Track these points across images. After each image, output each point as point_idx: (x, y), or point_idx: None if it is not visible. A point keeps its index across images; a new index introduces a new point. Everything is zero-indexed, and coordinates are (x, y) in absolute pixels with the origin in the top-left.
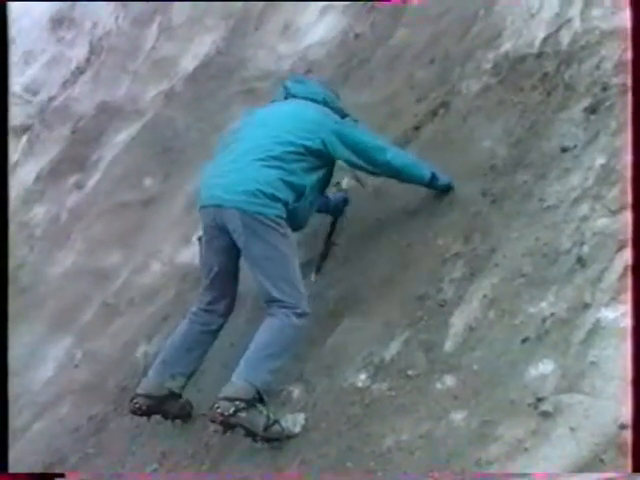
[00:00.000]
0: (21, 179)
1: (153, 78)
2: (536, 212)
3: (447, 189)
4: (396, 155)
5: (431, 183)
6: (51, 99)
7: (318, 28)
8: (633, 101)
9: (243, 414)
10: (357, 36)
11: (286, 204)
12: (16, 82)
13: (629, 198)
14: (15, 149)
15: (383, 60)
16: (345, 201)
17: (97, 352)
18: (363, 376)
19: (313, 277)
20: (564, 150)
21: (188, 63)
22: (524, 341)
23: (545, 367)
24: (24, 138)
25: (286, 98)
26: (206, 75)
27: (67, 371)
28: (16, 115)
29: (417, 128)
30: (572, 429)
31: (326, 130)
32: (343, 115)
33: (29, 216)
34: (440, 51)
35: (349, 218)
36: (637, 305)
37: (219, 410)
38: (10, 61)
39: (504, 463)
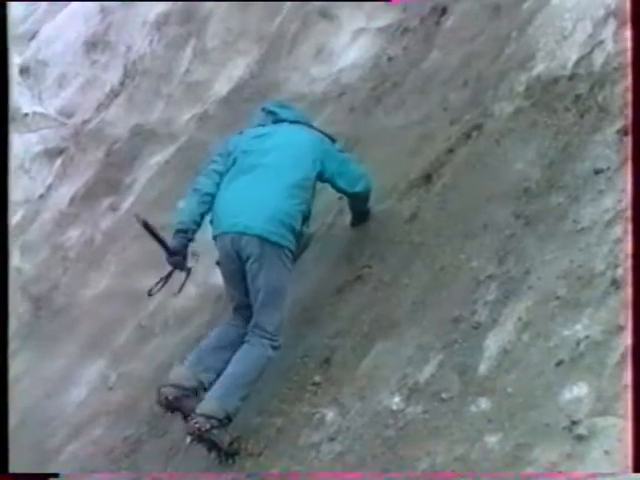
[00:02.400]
0: (55, 201)
1: (187, 101)
2: (570, 234)
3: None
4: (368, 186)
5: (367, 213)
6: (85, 122)
7: (351, 51)
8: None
9: (215, 431)
10: (390, 59)
11: (296, 235)
12: (50, 105)
13: None
14: (49, 172)
15: (416, 83)
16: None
17: (131, 374)
18: (397, 399)
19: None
20: (597, 172)
21: (222, 86)
22: (558, 364)
23: (579, 390)
24: (58, 161)
25: (275, 122)
26: (240, 98)
27: (101, 393)
28: (50, 138)
29: (450, 151)
30: (606, 452)
31: (322, 151)
32: (328, 137)
33: (63, 238)
34: (473, 73)
35: (382, 241)
36: None
37: (197, 425)
38: (44, 84)
39: None
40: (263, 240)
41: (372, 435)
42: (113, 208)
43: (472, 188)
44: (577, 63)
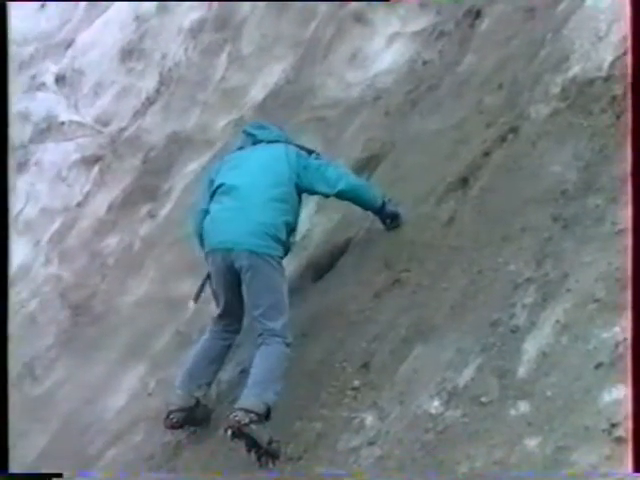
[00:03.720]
0: (93, 209)
1: (223, 108)
2: (608, 236)
3: (394, 218)
4: (352, 182)
5: (381, 209)
6: (122, 130)
7: (386, 55)
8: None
9: (254, 426)
10: (425, 63)
11: (283, 244)
12: (87, 113)
13: None
14: (87, 180)
15: (451, 86)
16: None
17: (170, 380)
18: (436, 403)
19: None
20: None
21: (257, 92)
22: (597, 366)
23: (618, 392)
24: (95, 169)
25: (254, 144)
26: (275, 104)
27: (140, 399)
28: (87, 146)
29: (487, 154)
30: None
31: (297, 165)
32: (306, 150)
33: (102, 245)
34: (508, 76)
35: (420, 245)
36: None
37: (237, 418)
38: (80, 92)
39: None
40: (252, 253)
41: (411, 439)
42: (151, 215)
43: (509, 191)
44: (612, 64)
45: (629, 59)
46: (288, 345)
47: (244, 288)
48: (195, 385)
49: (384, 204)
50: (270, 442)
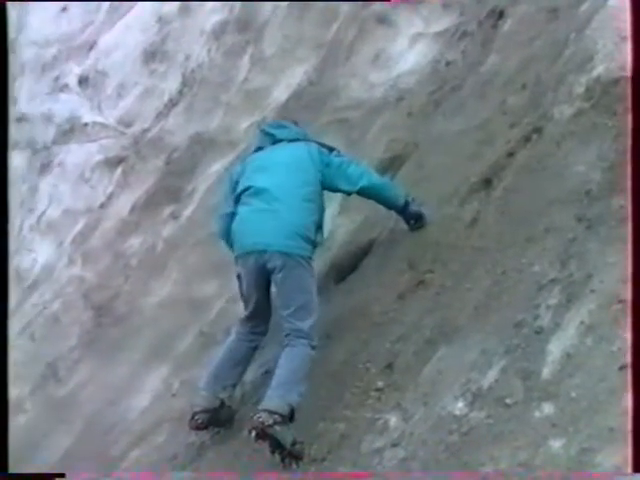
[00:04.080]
0: (116, 210)
1: (246, 109)
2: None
3: (418, 218)
4: (374, 179)
5: (404, 208)
6: (145, 131)
7: (409, 56)
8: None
9: (278, 428)
10: (448, 63)
11: (313, 243)
12: (110, 114)
13: None
14: (110, 181)
15: (475, 87)
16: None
17: (194, 381)
18: (461, 404)
19: None
20: None
21: (280, 93)
22: (622, 368)
23: None
24: (119, 170)
25: (273, 143)
26: (298, 105)
27: (164, 400)
28: (110, 147)
29: (511, 154)
30: None
31: (320, 162)
32: (327, 147)
33: (125, 246)
34: (532, 76)
35: (443, 246)
36: None
37: (260, 419)
38: (103, 94)
39: None
40: (284, 254)
41: (435, 440)
42: (174, 216)
43: (533, 191)
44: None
45: None
46: (313, 348)
47: (275, 288)
48: (220, 386)
49: (407, 203)
50: (294, 443)
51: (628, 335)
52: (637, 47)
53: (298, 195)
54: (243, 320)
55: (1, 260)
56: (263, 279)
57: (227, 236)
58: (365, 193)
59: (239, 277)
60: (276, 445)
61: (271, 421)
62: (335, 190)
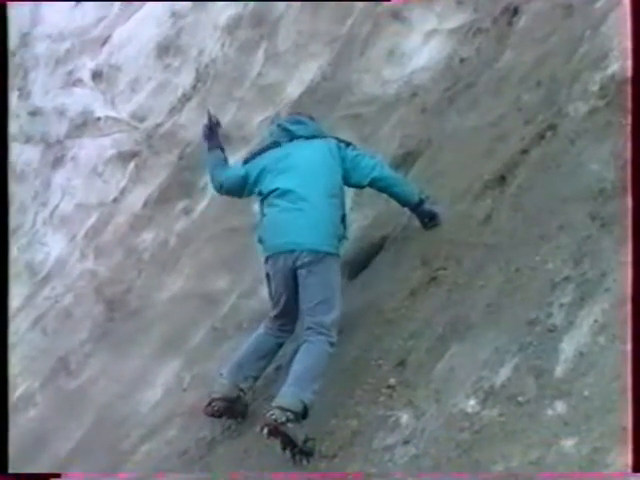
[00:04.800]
0: (129, 205)
1: (259, 104)
2: None
3: (432, 217)
4: (386, 172)
5: (418, 206)
6: (158, 126)
7: (423, 53)
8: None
9: (290, 425)
10: (462, 60)
11: (340, 239)
12: (123, 109)
13: None
14: (123, 175)
15: (489, 84)
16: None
17: (206, 376)
18: (473, 402)
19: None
20: None
21: (294, 89)
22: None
23: None
24: (132, 164)
25: (291, 140)
26: (312, 101)
27: (176, 394)
28: (123, 142)
29: (525, 151)
30: None
31: (339, 158)
32: (344, 142)
33: (137, 241)
34: (546, 73)
35: (456, 243)
36: None
37: (273, 417)
38: (117, 88)
39: None
40: (314, 252)
41: (447, 438)
42: (187, 211)
43: (547, 189)
44: None
45: None
46: (332, 345)
47: (300, 282)
48: (242, 376)
49: (422, 201)
50: (306, 441)
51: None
52: (637, 48)
53: (323, 193)
54: (272, 318)
55: (2, 260)
56: (292, 278)
57: (221, 187)
58: (377, 185)
59: (268, 276)
60: (288, 443)
61: (284, 419)
62: (349, 183)
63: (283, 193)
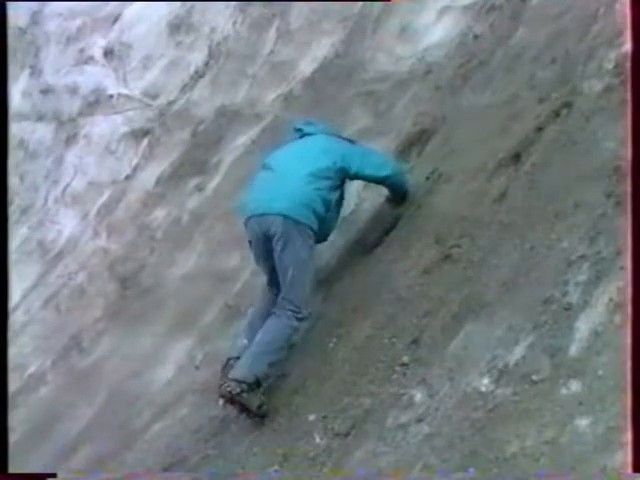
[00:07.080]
0: (142, 182)
1: (272, 82)
2: None
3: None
4: (394, 168)
5: (405, 193)
6: (170, 103)
7: (436, 29)
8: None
9: (245, 394)
10: (476, 37)
11: (318, 216)
12: (135, 86)
13: None
14: (135, 153)
15: (503, 61)
16: None
17: (218, 353)
18: (487, 381)
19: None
20: None
21: (307, 66)
22: None
23: None
24: (144, 142)
25: (301, 137)
26: (325, 78)
27: (188, 372)
28: (136, 119)
29: (539, 129)
30: None
31: (341, 150)
32: (347, 140)
33: (150, 218)
34: (561, 51)
35: (471, 221)
36: None
37: (228, 389)
38: (129, 66)
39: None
40: (285, 218)
41: (461, 417)
42: (199, 188)
43: (562, 167)
44: None
45: None
46: (301, 319)
47: (275, 255)
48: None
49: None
50: (260, 406)
51: None
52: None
53: (304, 169)
54: (266, 286)
55: (1, 256)
56: (269, 245)
57: None
58: (388, 180)
59: (250, 243)
60: (243, 409)
61: (238, 390)
62: (361, 177)
63: (266, 166)
